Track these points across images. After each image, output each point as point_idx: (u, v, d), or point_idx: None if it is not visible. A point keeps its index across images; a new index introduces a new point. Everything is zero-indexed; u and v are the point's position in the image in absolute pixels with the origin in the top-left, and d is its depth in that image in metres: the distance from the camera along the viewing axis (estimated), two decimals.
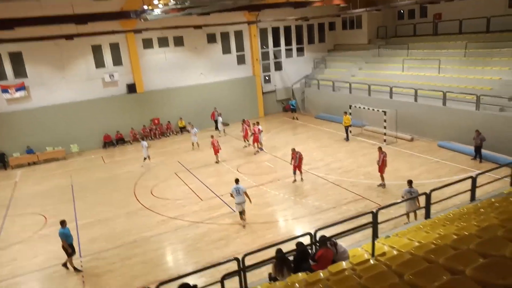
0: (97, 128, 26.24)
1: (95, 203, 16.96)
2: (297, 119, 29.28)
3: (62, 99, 25.27)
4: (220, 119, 27.04)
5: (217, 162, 20.59)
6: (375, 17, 30.19)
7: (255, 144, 21.96)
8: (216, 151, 20.54)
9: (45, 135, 24.76)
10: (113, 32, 23.79)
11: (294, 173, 17.12)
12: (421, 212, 10.64)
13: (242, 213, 13.50)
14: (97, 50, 25.98)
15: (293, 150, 17.10)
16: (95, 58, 26.00)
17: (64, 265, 11.90)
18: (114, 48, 26.43)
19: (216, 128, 28.39)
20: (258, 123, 22.33)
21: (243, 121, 23.86)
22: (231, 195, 13.49)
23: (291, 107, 30.03)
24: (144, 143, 21.71)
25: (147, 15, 19.72)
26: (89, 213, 15.93)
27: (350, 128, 22.80)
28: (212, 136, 21.06)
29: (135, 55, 26.76)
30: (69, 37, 22.63)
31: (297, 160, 16.85)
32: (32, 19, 19.39)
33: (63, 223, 11.79)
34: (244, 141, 23.19)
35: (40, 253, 13.08)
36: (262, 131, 22.35)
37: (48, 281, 11.40)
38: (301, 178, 17.09)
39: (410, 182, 12.46)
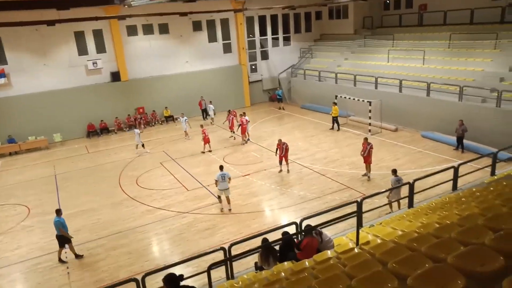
0: (80, 117, 25.78)
1: (79, 193, 16.75)
2: (283, 109, 29.28)
3: (44, 87, 24.71)
4: (211, 107, 26.78)
5: (209, 151, 20.57)
6: (361, 7, 30.20)
7: (243, 135, 21.85)
8: (207, 141, 20.47)
9: (27, 124, 24.22)
10: (96, 18, 23.16)
11: (280, 163, 17.18)
12: (404, 202, 10.83)
13: (220, 198, 13.96)
14: (79, 37, 25.41)
15: (279, 141, 17.16)
16: (77, 45, 25.43)
17: (76, 256, 11.78)
18: (98, 35, 25.88)
19: (204, 117, 28.25)
20: (244, 114, 22.22)
21: (229, 111, 23.67)
22: (216, 182, 13.69)
23: (278, 97, 29.99)
24: (136, 130, 21.69)
25: (131, 1, 19.35)
26: (73, 203, 15.73)
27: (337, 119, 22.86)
28: (201, 126, 20.99)
29: (119, 42, 26.26)
30: (51, 23, 21.96)
31: (283, 151, 16.90)
32: (12, 3, 18.77)
33: (58, 211, 11.63)
34: (231, 131, 23.03)
35: (23, 244, 12.90)
36: (249, 121, 22.30)
37: (31, 273, 11.26)
38: (287, 170, 17.11)
39: (395, 171, 12.67)
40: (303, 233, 8.19)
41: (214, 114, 26.94)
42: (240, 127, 21.70)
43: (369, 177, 15.64)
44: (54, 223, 11.49)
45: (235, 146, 21.57)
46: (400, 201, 11.93)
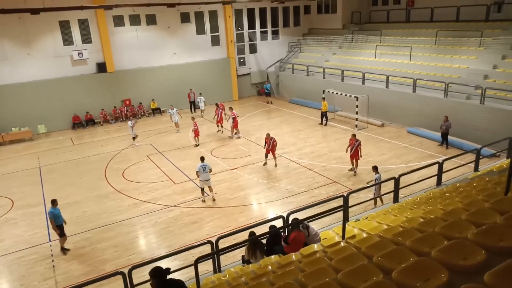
0: (65, 108, 25.37)
1: (64, 185, 16.53)
2: (271, 103, 29.30)
3: (28, 77, 24.21)
4: (202, 99, 26.55)
5: (197, 145, 20.38)
6: (349, 2, 30.30)
7: (234, 129, 21.52)
8: (197, 134, 20.38)
9: (10, 115, 23.72)
10: (81, 8, 22.74)
11: (266, 156, 17.25)
12: (389, 196, 10.98)
13: (204, 189, 14.19)
14: (65, 26, 24.90)
15: (268, 135, 17.17)
16: (62, 35, 24.92)
17: (62, 249, 11.63)
18: (83, 24, 25.41)
19: (192, 110, 28.07)
20: (232, 108, 22.09)
21: (217, 105, 23.44)
22: (197, 174, 13.91)
23: (266, 91, 29.97)
24: (130, 122, 21.41)
25: None
26: (57, 196, 15.29)
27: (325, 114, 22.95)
28: (193, 118, 20.85)
29: (105, 33, 25.83)
30: (35, 11, 21.44)
31: (270, 145, 16.93)
32: None
33: (54, 202, 11.42)
34: (217, 126, 22.81)
35: (7, 237, 12.71)
36: (238, 115, 22.20)
37: (15, 266, 11.10)
38: (275, 164, 17.11)
39: (376, 168, 12.76)
40: (290, 227, 8.25)
41: (204, 105, 26.71)
42: (233, 120, 21.18)
43: (355, 172, 15.79)
44: (48, 214, 11.36)
45: (223, 139, 21.52)
46: (385, 195, 12.09)
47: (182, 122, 23.55)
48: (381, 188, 12.24)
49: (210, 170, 14.08)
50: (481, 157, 12.22)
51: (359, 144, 15.62)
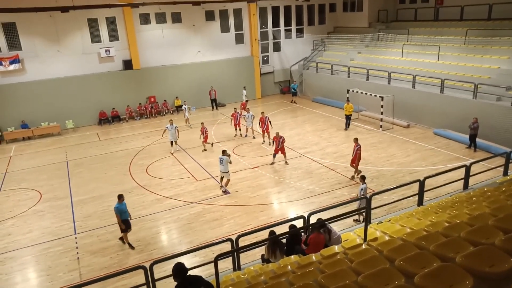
0: (92, 104, 26.02)
1: (90, 180, 16.96)
2: (295, 102, 28.93)
3: (57, 73, 24.95)
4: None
5: (204, 150, 19.67)
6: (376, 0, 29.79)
7: (267, 133, 20.21)
8: (206, 139, 19.77)
9: (40, 110, 24.54)
10: (109, 6, 23.29)
11: (274, 156, 17.24)
12: (414, 199, 10.74)
13: (222, 179, 15.03)
14: (93, 24, 25.52)
15: (277, 134, 17.15)
16: (91, 32, 25.56)
17: (121, 238, 11.85)
18: (111, 22, 25.97)
19: (214, 107, 28.30)
20: (263, 113, 20.58)
21: (235, 109, 22.34)
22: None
23: (292, 90, 29.38)
24: (169, 126, 19.83)
25: None
26: (83, 190, 15.96)
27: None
28: (202, 123, 20.06)
29: (131, 31, 26.32)
30: (65, 9, 22.10)
31: (279, 144, 16.84)
32: None
33: (120, 197, 11.49)
34: (236, 129, 21.92)
35: (35, 228, 13.14)
36: (254, 116, 21.28)
37: (42, 257, 11.48)
38: (285, 161, 17.20)
39: (363, 178, 12.11)
40: (310, 228, 8.18)
41: (189, 113, 26.15)
42: (266, 126, 19.98)
43: (353, 177, 15.27)
44: (114, 209, 11.41)
45: (244, 138, 21.56)
46: (409, 198, 11.79)
47: (203, 120, 23.70)
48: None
49: (230, 162, 14.79)
50: (511, 161, 11.79)
51: (359, 148, 14.85)
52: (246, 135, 21.71)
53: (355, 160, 15.03)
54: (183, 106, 25.19)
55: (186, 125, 24.11)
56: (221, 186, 15.03)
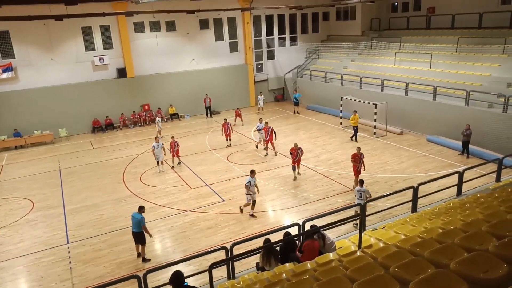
0: (86, 112, 25.92)
1: (83, 188, 16.82)
2: (298, 113, 27.89)
3: (50, 81, 24.87)
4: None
5: (178, 163, 18.87)
6: (369, 8, 30.12)
7: (271, 144, 19.64)
8: (177, 153, 18.72)
9: (33, 118, 24.39)
10: (103, 14, 23.27)
11: (294, 169, 16.25)
12: (408, 206, 10.77)
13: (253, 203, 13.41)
14: (87, 32, 25.52)
15: (295, 145, 16.12)
16: (85, 40, 25.55)
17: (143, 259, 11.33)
18: (105, 30, 25.99)
19: (207, 115, 28.29)
20: (267, 123, 19.84)
21: (225, 120, 21.63)
22: (246, 187, 13.22)
23: (295, 100, 28.19)
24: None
25: None
26: (76, 198, 15.82)
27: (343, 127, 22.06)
28: (172, 137, 19.06)
29: (126, 39, 26.35)
30: (59, 17, 22.05)
31: (297, 156, 15.98)
32: None
33: (141, 208, 11.18)
34: (227, 140, 21.47)
35: (26, 237, 12.98)
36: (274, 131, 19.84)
37: (34, 267, 11.32)
38: (298, 173, 16.52)
39: (361, 182, 12.21)
40: (304, 235, 8.15)
41: (214, 113, 26.31)
42: (269, 137, 19.27)
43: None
44: (141, 221, 10.98)
45: (239, 145, 21.55)
46: (403, 205, 11.84)
47: (198, 127, 23.69)
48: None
49: (256, 186, 13.48)
50: (503, 167, 11.90)
51: (363, 157, 14.83)
52: (263, 147, 20.04)
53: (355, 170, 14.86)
54: (157, 119, 24.25)
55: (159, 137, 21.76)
56: (242, 210, 13.73)
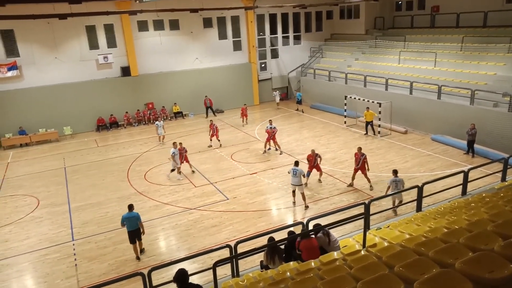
0: (90, 111, 26.01)
1: (88, 186, 16.91)
2: (302, 111, 28.03)
3: (55, 80, 24.97)
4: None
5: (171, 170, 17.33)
6: (373, 7, 30.02)
7: (268, 144, 19.52)
8: (186, 159, 17.79)
9: (38, 116, 24.51)
10: (107, 13, 23.30)
11: (308, 175, 15.44)
12: (412, 205, 10.76)
13: (294, 193, 13.87)
14: (91, 31, 25.59)
15: (312, 152, 15.49)
16: (89, 39, 25.62)
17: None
18: (109, 29, 26.05)
19: (207, 114, 28.12)
20: (271, 121, 19.99)
21: (211, 121, 21.52)
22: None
23: (297, 99, 28.67)
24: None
25: None
26: (81, 196, 15.90)
27: (364, 123, 21.73)
28: (180, 144, 17.47)
29: (129, 37, 26.40)
30: (63, 16, 22.08)
31: (314, 162, 15.43)
32: None
33: (130, 207, 11.26)
34: (210, 140, 21.22)
35: (32, 234, 13.07)
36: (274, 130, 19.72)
37: (39, 264, 11.40)
38: (319, 179, 15.91)
39: (395, 172, 12.66)
40: (300, 236, 8.08)
41: (217, 112, 26.32)
42: (272, 137, 19.21)
43: (371, 187, 14.97)
44: (138, 219, 11.13)
45: (243, 144, 21.57)
46: (408, 204, 11.84)
47: (202, 126, 23.71)
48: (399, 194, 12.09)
49: (304, 176, 13.72)
50: (509, 166, 11.83)
51: (365, 157, 14.78)
52: (276, 149, 19.68)
53: (363, 169, 14.79)
54: (156, 123, 22.62)
55: (159, 143, 22.31)
56: (306, 206, 13.67)
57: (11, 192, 16.85)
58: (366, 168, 14.87)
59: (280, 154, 19.38)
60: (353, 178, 15.18)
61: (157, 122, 22.68)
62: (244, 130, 22.94)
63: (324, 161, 18.04)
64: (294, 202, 13.96)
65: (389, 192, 12.53)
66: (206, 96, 28.23)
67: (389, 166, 16.96)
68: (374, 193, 14.23)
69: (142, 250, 11.54)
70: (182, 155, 17.22)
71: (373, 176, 15.84)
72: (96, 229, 13.17)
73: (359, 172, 14.94)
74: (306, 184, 15.42)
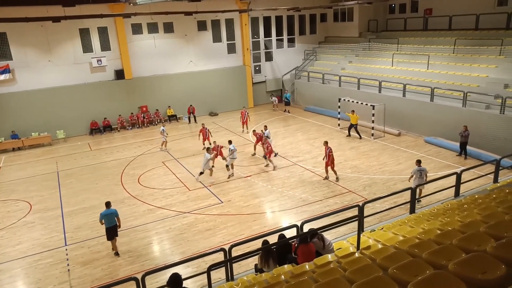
0: (84, 114, 25.86)
1: (81, 190, 16.78)
2: (288, 112, 28.96)
3: (48, 83, 24.82)
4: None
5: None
6: (366, 10, 30.21)
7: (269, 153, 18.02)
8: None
9: (30, 120, 24.32)
10: (101, 16, 23.33)
11: (327, 171, 16.02)
12: (405, 207, 10.79)
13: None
14: (84, 34, 25.49)
15: (325, 143, 16.07)
16: (82, 42, 25.51)
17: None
18: (102, 32, 25.95)
19: (189, 121, 27.67)
20: (266, 127, 19.93)
21: (203, 125, 21.51)
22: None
23: (286, 100, 29.50)
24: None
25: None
26: (74, 200, 15.78)
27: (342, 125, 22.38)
28: (214, 142, 18.17)
29: (123, 40, 26.32)
30: (56, 19, 22.05)
31: (327, 157, 15.62)
32: None
33: (108, 204, 11.70)
34: (203, 143, 20.96)
35: (24, 240, 12.93)
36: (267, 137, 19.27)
37: (32, 269, 11.28)
38: (336, 178, 15.93)
39: (419, 162, 13.19)
40: (298, 240, 8.08)
41: (212, 114, 26.26)
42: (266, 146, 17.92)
43: (337, 178, 15.93)
44: (115, 213, 11.53)
45: (237, 146, 21.46)
46: (401, 206, 11.85)
47: (196, 129, 23.65)
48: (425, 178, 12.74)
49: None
50: (500, 168, 11.93)
51: (330, 151, 15.65)
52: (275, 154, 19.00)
53: (329, 162, 15.68)
54: (162, 128, 21.46)
55: (161, 149, 21.67)
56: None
57: (3, 197, 16.67)
58: (332, 162, 15.63)
59: (253, 155, 19.67)
60: (326, 171, 16.01)
61: (162, 128, 21.46)
62: (238, 133, 22.90)
63: (318, 164, 18.06)
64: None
65: (412, 181, 12.97)
66: (191, 105, 27.79)
67: (382, 168, 17.04)
68: (368, 195, 14.26)
69: (117, 252, 11.66)
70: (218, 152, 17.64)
71: (366, 178, 15.92)
72: (89, 233, 13.06)
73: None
74: (326, 177, 16.18)
